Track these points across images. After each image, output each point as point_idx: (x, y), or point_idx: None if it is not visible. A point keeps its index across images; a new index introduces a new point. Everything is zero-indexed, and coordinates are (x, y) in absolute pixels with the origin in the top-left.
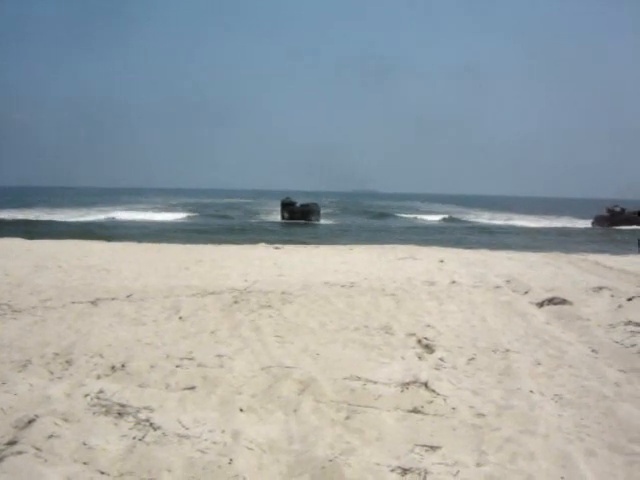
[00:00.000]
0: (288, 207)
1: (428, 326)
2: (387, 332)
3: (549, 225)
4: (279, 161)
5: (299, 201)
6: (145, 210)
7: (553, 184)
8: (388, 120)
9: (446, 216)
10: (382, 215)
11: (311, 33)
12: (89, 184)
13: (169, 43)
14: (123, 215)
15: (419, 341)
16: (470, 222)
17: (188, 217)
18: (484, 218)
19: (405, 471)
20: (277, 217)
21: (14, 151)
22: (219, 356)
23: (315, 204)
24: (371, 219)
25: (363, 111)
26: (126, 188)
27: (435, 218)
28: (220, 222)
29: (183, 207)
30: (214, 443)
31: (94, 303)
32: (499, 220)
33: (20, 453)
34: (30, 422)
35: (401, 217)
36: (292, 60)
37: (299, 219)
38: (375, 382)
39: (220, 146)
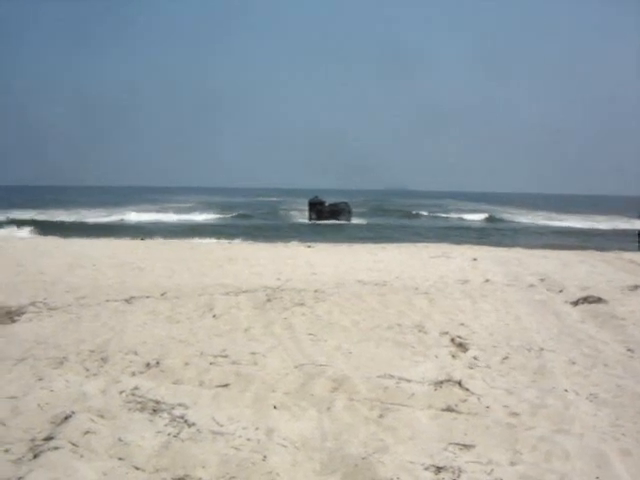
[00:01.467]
0: (316, 207)
1: (462, 325)
2: (420, 331)
3: (597, 226)
4: (306, 159)
5: (328, 200)
6: (169, 209)
7: (590, 180)
8: (418, 115)
9: (486, 215)
10: (415, 215)
11: (329, 22)
12: (103, 183)
13: (186, 35)
14: (149, 214)
15: (452, 340)
16: (513, 222)
17: (217, 217)
18: (525, 217)
19: (439, 469)
20: (304, 217)
21: (21, 149)
22: (253, 354)
23: (345, 203)
24: (403, 218)
25: (392, 106)
26: (146, 187)
27: (475, 217)
28: (248, 222)
29: (209, 206)
30: (248, 440)
31: (128, 301)
32: (541, 220)
33: (57, 448)
34: (67, 418)
35: (437, 216)
36: (313, 53)
37: (328, 219)
38: (408, 380)
39: (244, 144)
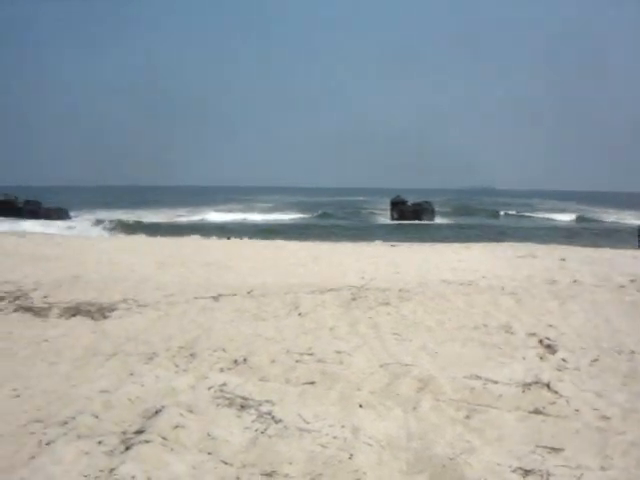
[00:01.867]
0: (398, 206)
1: (550, 326)
2: (507, 331)
3: None
4: (388, 158)
5: (410, 199)
6: (252, 209)
7: None
8: (505, 111)
9: (575, 215)
10: (501, 214)
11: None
12: (185, 183)
13: (268, 34)
14: (233, 214)
15: (540, 341)
16: (603, 221)
17: (299, 217)
18: (614, 217)
19: (527, 472)
20: (386, 217)
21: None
22: (338, 352)
23: (428, 202)
24: (489, 218)
25: (478, 102)
26: (226, 187)
27: (563, 217)
28: (329, 221)
29: (291, 206)
30: (334, 438)
31: (216, 299)
32: (632, 219)
33: (148, 442)
34: (157, 412)
35: (523, 216)
36: (389, 47)
37: (411, 219)
38: (495, 382)
39: (324, 142)
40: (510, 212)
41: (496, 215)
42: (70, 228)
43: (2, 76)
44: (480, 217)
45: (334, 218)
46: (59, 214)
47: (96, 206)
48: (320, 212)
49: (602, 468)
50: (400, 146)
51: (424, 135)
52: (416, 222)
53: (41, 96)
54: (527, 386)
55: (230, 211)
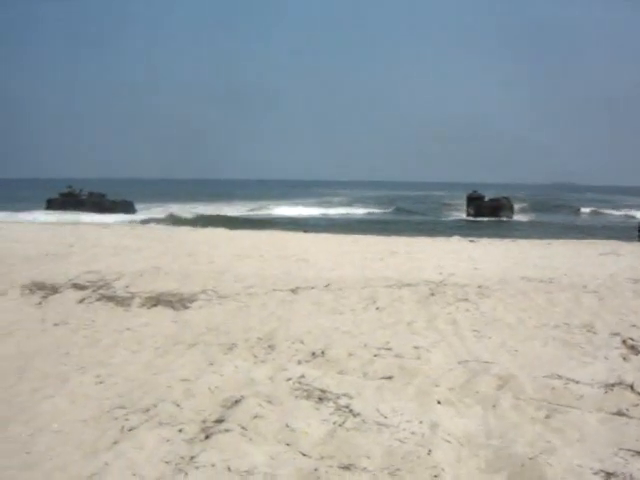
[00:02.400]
0: (475, 202)
1: (633, 326)
2: (589, 330)
3: None
4: (465, 152)
5: (488, 194)
6: (327, 204)
7: None
8: (587, 103)
9: None
10: (583, 212)
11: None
12: (258, 176)
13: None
14: (310, 208)
15: (624, 341)
16: None
17: (374, 211)
18: None
19: (609, 475)
20: (461, 213)
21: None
22: (416, 347)
23: (507, 198)
24: (570, 215)
25: (557, 94)
26: (289, 180)
27: None
28: (404, 217)
29: (364, 200)
30: (412, 433)
31: (294, 291)
32: None
33: (227, 431)
34: (236, 402)
35: (605, 213)
36: (461, 37)
37: (488, 215)
38: (577, 382)
39: (398, 137)
40: (591, 209)
41: (577, 212)
42: (141, 222)
43: (70, 75)
44: (561, 214)
45: (406, 213)
46: (125, 207)
47: (161, 199)
48: (393, 207)
49: None
50: (477, 140)
51: (502, 129)
52: (493, 219)
53: (106, 93)
54: (610, 387)
55: (304, 205)
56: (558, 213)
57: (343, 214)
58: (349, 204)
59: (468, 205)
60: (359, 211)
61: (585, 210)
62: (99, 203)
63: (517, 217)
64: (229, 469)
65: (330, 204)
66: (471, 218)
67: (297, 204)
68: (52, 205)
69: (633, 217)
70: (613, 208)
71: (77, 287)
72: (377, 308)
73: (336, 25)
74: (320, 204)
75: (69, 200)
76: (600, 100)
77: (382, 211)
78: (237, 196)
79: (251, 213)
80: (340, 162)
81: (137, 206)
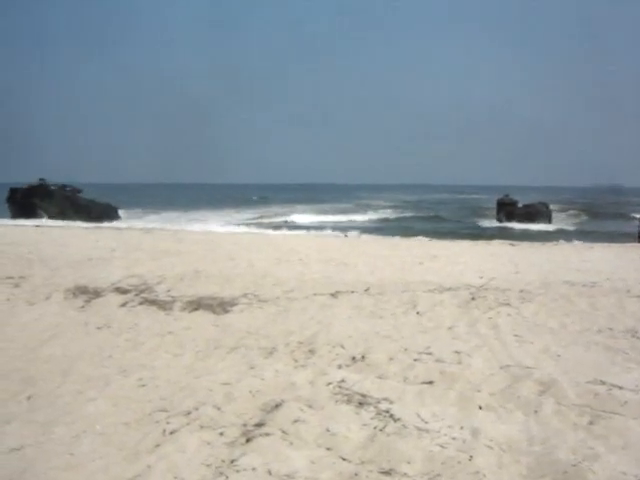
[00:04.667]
0: (506, 207)
1: None
2: (633, 336)
3: None
4: (495, 151)
5: (522, 199)
6: (360, 210)
7: None
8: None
9: None
10: (637, 217)
11: None
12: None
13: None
14: (336, 216)
15: None
16: None
17: (403, 215)
18: None
19: None
20: (492, 219)
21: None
22: (457, 352)
23: (544, 204)
24: (616, 220)
25: (596, 90)
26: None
27: None
28: (414, 225)
29: (399, 205)
30: (453, 439)
31: (334, 295)
32: None
33: (268, 435)
34: (277, 406)
35: None
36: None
37: (522, 221)
38: (621, 387)
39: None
40: (633, 215)
41: (626, 217)
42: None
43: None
44: (606, 220)
45: (422, 221)
46: (107, 212)
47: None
48: (409, 214)
49: None
50: (513, 140)
51: (544, 128)
52: (527, 226)
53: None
54: None
55: (335, 212)
56: (603, 220)
57: (371, 219)
58: (376, 209)
59: (499, 210)
60: (384, 216)
61: (637, 216)
62: (71, 199)
63: (555, 224)
64: (270, 473)
65: (369, 209)
66: (503, 224)
67: (323, 211)
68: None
69: None
70: None
71: (119, 291)
72: (417, 312)
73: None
74: (353, 210)
75: (35, 191)
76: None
77: (394, 217)
78: (277, 200)
79: (274, 219)
80: (352, 165)
81: (133, 211)
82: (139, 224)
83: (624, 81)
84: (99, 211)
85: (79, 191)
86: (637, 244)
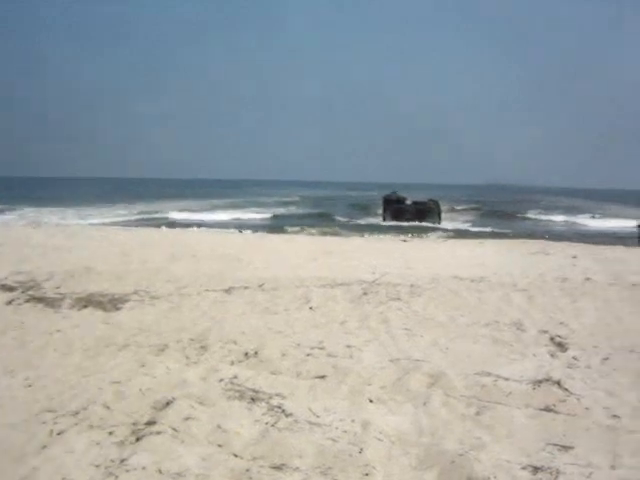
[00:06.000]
0: (393, 205)
1: (561, 323)
2: (518, 328)
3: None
4: (390, 152)
5: (412, 196)
6: (237, 207)
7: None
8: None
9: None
10: (530, 217)
11: None
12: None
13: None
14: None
15: (552, 339)
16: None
17: (280, 215)
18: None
19: (536, 469)
20: (377, 218)
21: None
22: (348, 347)
23: (434, 202)
24: (508, 220)
25: (488, 83)
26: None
27: (625, 224)
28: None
29: (267, 203)
30: (344, 432)
31: (227, 291)
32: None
33: (159, 433)
34: (168, 404)
35: (542, 219)
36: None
37: (411, 220)
38: (506, 379)
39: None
40: (536, 213)
41: (515, 216)
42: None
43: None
44: (496, 218)
45: (311, 218)
46: None
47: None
48: (278, 213)
49: (612, 467)
50: (406, 139)
51: (430, 124)
52: (416, 224)
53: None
54: (538, 383)
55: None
56: (496, 218)
57: (268, 217)
58: (269, 206)
59: (385, 209)
60: (257, 216)
61: (529, 215)
62: None
63: (446, 224)
64: (160, 471)
65: (247, 205)
66: (389, 223)
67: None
68: None
69: (574, 223)
70: (558, 213)
71: (5, 288)
72: (310, 308)
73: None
74: (232, 207)
75: None
76: (530, 99)
77: (263, 217)
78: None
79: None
80: (244, 160)
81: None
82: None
83: (515, 85)
84: None
85: None
86: (525, 240)
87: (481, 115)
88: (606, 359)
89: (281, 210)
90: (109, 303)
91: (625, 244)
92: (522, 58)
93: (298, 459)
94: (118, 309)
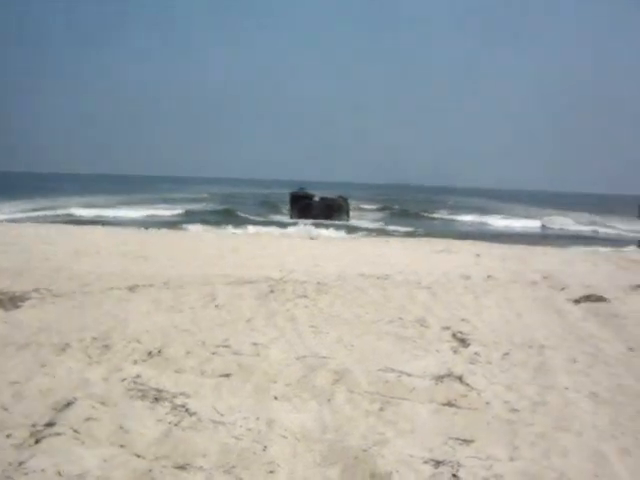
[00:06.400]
0: (300, 202)
1: (463, 320)
2: (422, 325)
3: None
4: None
5: (320, 193)
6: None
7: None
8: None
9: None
10: (438, 217)
11: None
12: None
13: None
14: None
15: (454, 335)
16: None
17: (186, 212)
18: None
19: (438, 463)
20: (284, 216)
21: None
22: (254, 344)
23: (343, 198)
24: (416, 220)
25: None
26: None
27: (530, 224)
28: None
29: (179, 200)
30: (248, 430)
31: (132, 289)
32: (586, 226)
33: (58, 434)
34: (68, 404)
35: (449, 219)
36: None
37: (318, 217)
38: (409, 374)
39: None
40: (437, 214)
41: (422, 215)
42: None
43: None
44: (405, 217)
45: (217, 215)
46: None
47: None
48: (188, 209)
49: (511, 459)
50: (308, 134)
51: (338, 124)
52: (323, 222)
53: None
54: (440, 379)
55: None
56: (405, 217)
57: (177, 214)
58: (179, 202)
59: (292, 205)
60: (165, 213)
61: (437, 215)
62: None
63: (355, 221)
64: (60, 474)
65: (176, 201)
66: (295, 220)
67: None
68: None
69: (485, 223)
70: (466, 213)
71: None
72: (216, 306)
73: None
74: (138, 202)
75: None
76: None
77: (171, 213)
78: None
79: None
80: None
81: None
82: None
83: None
84: None
85: None
86: (430, 239)
87: (399, 115)
88: (506, 354)
89: (190, 207)
90: (8, 301)
91: (528, 243)
92: (439, 58)
93: (202, 458)
94: (18, 307)
